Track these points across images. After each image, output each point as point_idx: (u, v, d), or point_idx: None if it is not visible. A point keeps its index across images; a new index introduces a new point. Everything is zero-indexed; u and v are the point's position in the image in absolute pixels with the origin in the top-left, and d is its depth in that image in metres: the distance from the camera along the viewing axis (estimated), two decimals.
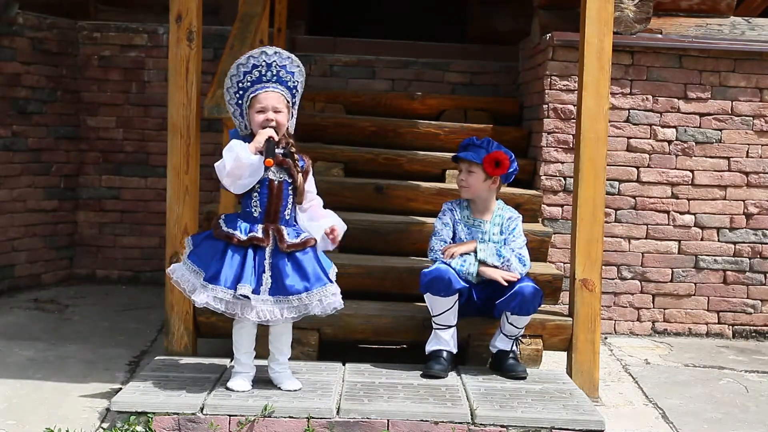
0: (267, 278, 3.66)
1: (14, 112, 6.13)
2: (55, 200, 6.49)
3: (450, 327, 4.13)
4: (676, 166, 5.73)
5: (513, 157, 4.28)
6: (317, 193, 3.89)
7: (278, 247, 3.67)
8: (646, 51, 5.68)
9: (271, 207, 3.71)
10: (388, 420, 3.55)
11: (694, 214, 5.76)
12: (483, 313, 4.24)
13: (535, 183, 5.74)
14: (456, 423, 3.55)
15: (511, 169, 4.27)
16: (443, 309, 4.08)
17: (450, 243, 4.24)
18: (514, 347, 4.20)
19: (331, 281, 3.74)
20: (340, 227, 3.82)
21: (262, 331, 3.86)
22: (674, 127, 5.72)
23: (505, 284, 4.07)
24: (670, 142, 5.73)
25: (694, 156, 5.73)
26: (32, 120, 6.26)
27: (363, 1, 8.84)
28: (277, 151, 3.67)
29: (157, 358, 4.22)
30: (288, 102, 3.77)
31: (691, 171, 5.74)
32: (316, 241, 3.77)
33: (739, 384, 4.82)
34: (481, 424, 3.56)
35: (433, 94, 6.52)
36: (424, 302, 4.15)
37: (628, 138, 5.71)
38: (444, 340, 4.13)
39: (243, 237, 3.66)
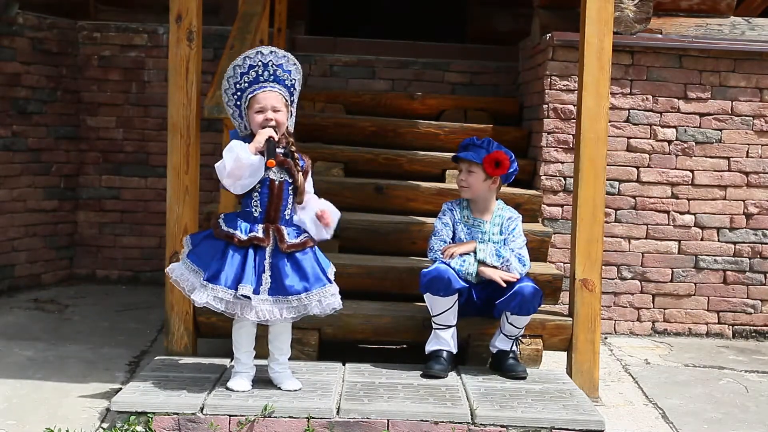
0: (267, 278, 3.66)
1: (14, 112, 6.13)
2: (55, 200, 6.49)
3: (450, 327, 4.13)
4: (676, 166, 5.73)
5: (513, 157, 4.28)
6: (315, 193, 3.88)
7: (278, 248, 3.67)
8: (646, 51, 5.68)
9: (271, 207, 3.71)
10: (388, 420, 3.55)
11: (694, 214, 5.76)
12: (483, 313, 4.24)
13: (535, 183, 5.74)
14: (456, 423, 3.55)
15: (511, 169, 4.27)
16: (443, 309, 4.08)
17: (450, 243, 4.24)
18: (514, 347, 4.20)
19: (330, 281, 3.75)
20: (332, 211, 3.79)
21: (262, 331, 3.86)
22: (674, 127, 5.72)
23: (504, 285, 4.08)
24: (670, 142, 5.73)
25: (694, 156, 5.73)
26: (32, 120, 6.26)
27: (363, 1, 8.84)
28: (277, 150, 3.68)
29: (157, 358, 4.22)
30: (286, 101, 3.77)
31: (691, 171, 5.74)
32: (315, 241, 3.77)
33: (739, 384, 4.82)
34: (481, 424, 3.56)
35: (433, 94, 6.52)
36: (424, 302, 4.15)
37: (628, 138, 5.71)
38: (444, 340, 4.13)
39: (243, 237, 3.66)
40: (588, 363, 4.36)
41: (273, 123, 3.69)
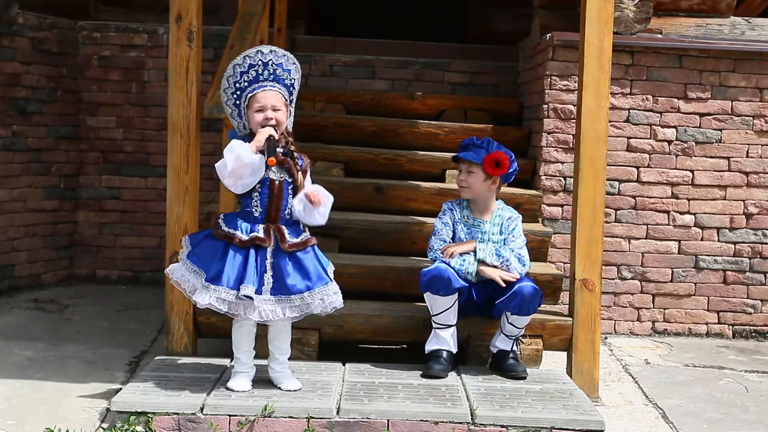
0: (269, 278, 3.66)
1: (14, 112, 6.13)
2: (55, 200, 6.49)
3: (450, 326, 4.13)
4: (676, 166, 5.73)
5: (513, 157, 4.28)
6: None
7: (279, 247, 3.67)
8: (646, 51, 5.68)
9: (271, 207, 3.70)
10: (388, 420, 3.55)
11: (694, 214, 5.76)
12: (483, 312, 4.24)
13: (535, 183, 5.74)
14: (456, 423, 3.55)
15: (511, 169, 4.27)
16: (443, 308, 4.08)
17: (450, 243, 4.24)
18: (515, 347, 4.20)
19: (331, 280, 3.75)
20: (324, 193, 3.73)
21: (262, 331, 3.86)
22: (674, 127, 5.72)
23: (503, 284, 4.08)
24: (670, 142, 5.73)
25: (694, 156, 5.73)
26: (32, 120, 6.26)
27: (363, 1, 8.84)
28: (277, 149, 3.68)
29: (157, 358, 4.22)
30: (286, 100, 3.77)
31: (691, 171, 5.74)
32: (316, 240, 3.77)
33: (739, 384, 4.82)
34: (481, 424, 3.56)
35: (433, 94, 6.52)
36: (424, 302, 4.15)
37: (628, 138, 5.71)
38: (444, 340, 4.13)
39: (245, 237, 3.66)
40: (588, 363, 4.36)
41: (273, 122, 3.69)
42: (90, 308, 5.82)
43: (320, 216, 3.74)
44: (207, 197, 5.68)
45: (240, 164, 3.59)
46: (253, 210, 3.71)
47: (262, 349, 3.86)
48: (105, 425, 3.67)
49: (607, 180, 5.03)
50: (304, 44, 6.86)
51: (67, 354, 4.74)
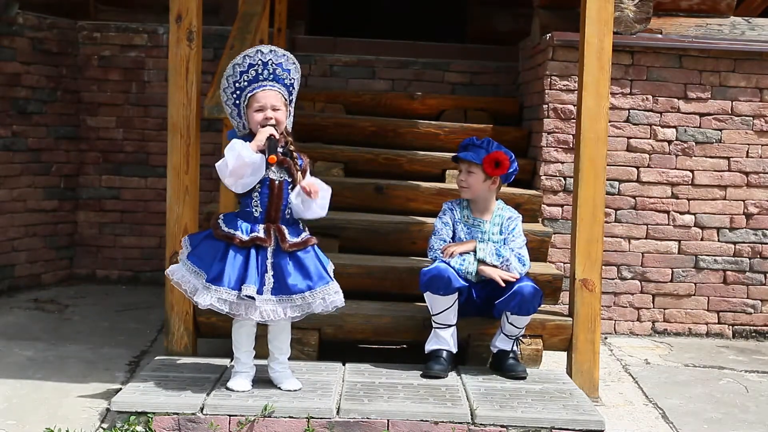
0: (269, 278, 3.66)
1: (14, 112, 6.13)
2: (55, 200, 6.49)
3: (450, 326, 4.13)
4: (676, 166, 5.73)
5: (513, 157, 4.28)
6: None
7: (280, 247, 3.67)
8: (646, 51, 5.68)
9: (271, 206, 3.70)
10: (388, 420, 3.55)
11: (694, 214, 5.76)
12: (483, 312, 4.24)
13: (535, 183, 5.74)
14: (456, 423, 3.55)
15: (511, 169, 4.27)
16: (443, 308, 4.08)
17: (450, 242, 4.24)
18: (515, 347, 4.20)
19: (332, 279, 3.75)
20: (320, 185, 3.72)
21: (262, 331, 3.86)
22: (674, 127, 5.72)
23: (503, 284, 4.08)
24: (670, 142, 5.72)
25: (694, 156, 5.73)
26: (32, 120, 6.26)
27: (363, 1, 8.84)
28: (277, 149, 3.67)
29: (157, 358, 4.22)
30: (285, 100, 3.77)
31: (691, 171, 5.74)
32: (316, 240, 3.78)
33: (739, 384, 4.82)
34: (481, 424, 3.56)
35: (433, 94, 6.52)
36: (424, 302, 4.15)
37: (628, 138, 5.71)
38: (444, 339, 4.13)
39: (245, 237, 3.66)
40: (588, 363, 4.36)
41: (272, 122, 3.69)
42: (90, 308, 5.82)
43: (319, 208, 3.73)
44: (207, 197, 5.68)
45: (241, 163, 3.59)
46: (253, 210, 3.71)
47: (262, 349, 3.86)
48: (105, 425, 3.67)
49: (607, 180, 5.04)
50: (304, 44, 6.86)
51: (67, 354, 4.74)
